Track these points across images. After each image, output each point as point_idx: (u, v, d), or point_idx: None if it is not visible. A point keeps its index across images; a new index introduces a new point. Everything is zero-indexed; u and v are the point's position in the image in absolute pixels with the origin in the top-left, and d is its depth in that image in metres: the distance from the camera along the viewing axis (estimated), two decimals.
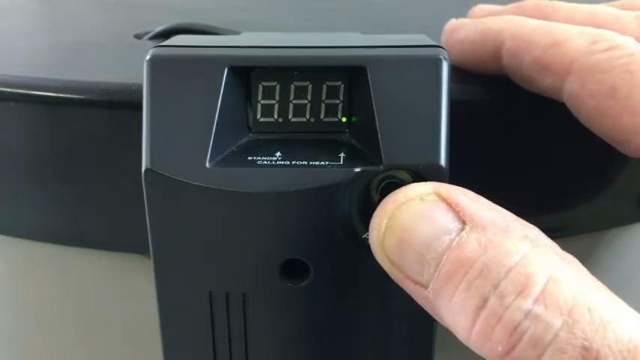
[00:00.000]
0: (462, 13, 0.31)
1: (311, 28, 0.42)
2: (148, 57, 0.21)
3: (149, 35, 0.37)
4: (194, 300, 0.22)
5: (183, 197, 0.21)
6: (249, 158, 0.21)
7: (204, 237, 0.21)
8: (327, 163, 0.21)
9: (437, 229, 0.17)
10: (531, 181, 0.27)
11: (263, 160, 0.21)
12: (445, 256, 0.17)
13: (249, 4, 0.51)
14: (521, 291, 0.16)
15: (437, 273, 0.17)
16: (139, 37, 0.38)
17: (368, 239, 0.21)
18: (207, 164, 0.21)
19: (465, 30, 0.26)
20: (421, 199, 0.18)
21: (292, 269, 0.22)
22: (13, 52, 0.36)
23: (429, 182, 0.19)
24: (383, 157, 0.20)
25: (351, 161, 0.21)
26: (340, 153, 0.21)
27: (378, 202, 0.20)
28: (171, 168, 0.21)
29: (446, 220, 0.17)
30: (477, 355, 0.17)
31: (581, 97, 0.21)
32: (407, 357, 0.23)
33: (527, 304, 0.16)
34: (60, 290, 0.31)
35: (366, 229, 0.21)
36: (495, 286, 0.16)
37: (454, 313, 0.17)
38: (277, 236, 0.21)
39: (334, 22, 0.45)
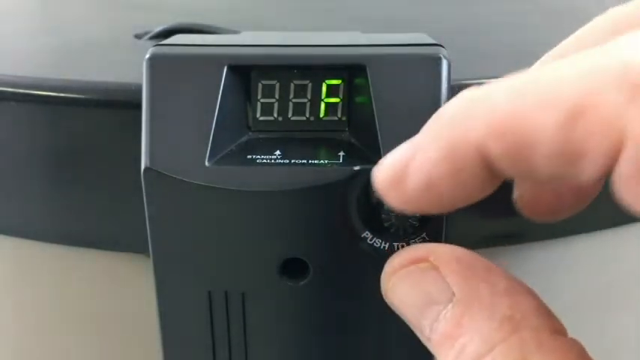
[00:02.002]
0: (462, 12, 0.31)
1: (311, 28, 0.42)
2: (147, 56, 0.21)
3: (149, 35, 0.37)
4: (194, 299, 0.22)
5: (183, 196, 0.21)
6: (249, 157, 0.21)
7: (203, 236, 0.21)
8: (326, 161, 0.21)
9: (428, 299, 0.18)
10: None
11: (262, 159, 0.21)
12: (435, 326, 0.17)
13: (249, 4, 0.51)
14: None
15: (429, 340, 0.18)
16: (139, 37, 0.38)
17: (367, 238, 0.21)
18: (207, 163, 0.21)
19: (415, 168, 0.16)
20: (416, 266, 0.18)
21: (292, 268, 0.22)
22: (13, 52, 0.36)
23: (425, 246, 0.19)
24: (382, 156, 0.20)
25: (350, 160, 0.21)
26: (340, 152, 0.21)
27: (377, 201, 0.20)
28: (171, 167, 0.21)
29: (436, 290, 0.18)
30: None
31: (638, 189, 0.14)
32: (406, 356, 0.23)
33: None
34: (60, 290, 0.31)
35: (366, 227, 0.21)
36: None
37: None
38: (276, 235, 0.21)
39: (334, 22, 0.45)
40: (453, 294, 0.17)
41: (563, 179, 0.15)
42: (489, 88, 0.15)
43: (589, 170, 0.14)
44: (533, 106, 0.14)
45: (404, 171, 0.17)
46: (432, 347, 0.18)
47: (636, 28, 0.15)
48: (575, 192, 0.20)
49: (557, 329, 0.17)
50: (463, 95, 0.16)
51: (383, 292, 0.19)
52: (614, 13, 0.18)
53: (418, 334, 0.18)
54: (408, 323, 0.19)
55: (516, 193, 0.21)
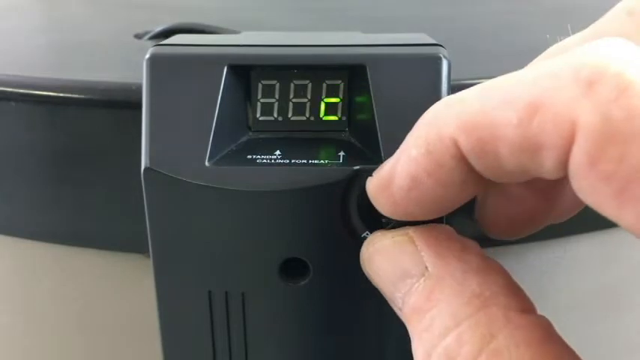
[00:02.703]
0: (462, 12, 0.31)
1: (311, 28, 0.42)
2: (147, 56, 0.21)
3: (149, 35, 0.37)
4: (194, 299, 0.22)
5: (183, 196, 0.21)
6: (249, 157, 0.21)
7: (203, 236, 0.21)
8: (326, 161, 0.21)
9: (403, 272, 0.18)
10: None
11: (262, 159, 0.21)
12: (406, 299, 0.18)
13: (249, 4, 0.51)
14: (452, 359, 0.16)
15: (400, 311, 0.18)
16: (139, 37, 0.38)
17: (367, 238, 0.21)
18: (207, 163, 0.21)
19: (399, 169, 0.18)
20: (392, 238, 0.19)
21: (292, 268, 0.22)
22: (13, 52, 0.36)
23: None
24: (382, 156, 0.20)
25: (350, 160, 0.21)
26: (340, 151, 0.21)
27: None
28: (171, 167, 0.21)
29: (411, 264, 0.18)
30: None
31: (591, 182, 0.14)
32: (406, 356, 0.23)
33: None
34: (60, 290, 0.31)
35: (366, 227, 0.21)
36: (435, 346, 0.17)
37: (413, 346, 0.18)
38: (277, 235, 0.21)
39: (334, 22, 0.45)
40: (426, 268, 0.18)
41: (527, 173, 0.16)
42: (464, 92, 0.17)
43: (548, 163, 0.15)
44: (497, 105, 0.15)
45: (391, 174, 0.18)
46: (403, 319, 0.18)
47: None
48: (531, 211, 0.21)
49: (525, 308, 0.17)
50: (440, 101, 0.17)
51: (361, 262, 0.20)
52: (596, 26, 0.19)
53: (392, 305, 0.19)
54: (383, 295, 0.19)
55: (477, 213, 0.22)
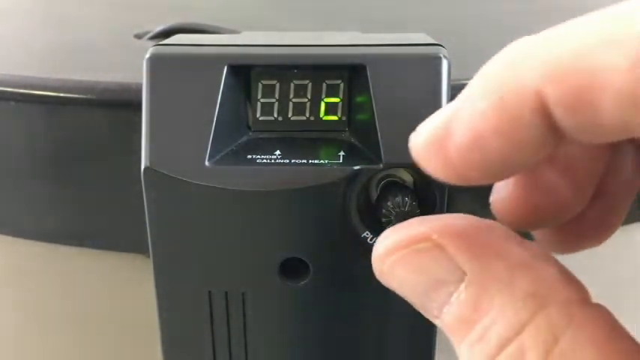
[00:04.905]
0: (463, 11, 0.31)
1: (311, 28, 0.42)
2: (147, 55, 0.21)
3: (149, 35, 0.37)
4: (193, 299, 0.22)
5: (183, 195, 0.21)
6: (249, 157, 0.21)
7: (203, 236, 0.21)
8: (326, 161, 0.21)
9: (435, 281, 0.16)
10: None
11: (262, 159, 0.21)
12: (446, 310, 0.16)
13: (249, 4, 0.51)
14: None
15: (440, 321, 0.16)
16: (139, 37, 0.38)
17: (367, 238, 0.21)
18: (207, 163, 0.21)
19: (460, 123, 0.14)
20: (416, 247, 0.16)
21: (292, 268, 0.22)
22: (13, 52, 0.36)
23: (421, 221, 0.17)
24: (382, 156, 0.20)
25: (350, 160, 0.21)
26: (340, 151, 0.21)
27: (378, 201, 0.20)
28: (171, 166, 0.21)
29: (444, 271, 0.16)
30: None
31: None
32: (407, 356, 0.23)
33: None
34: (60, 290, 0.31)
35: (366, 227, 0.21)
36: (494, 356, 0.15)
37: (462, 357, 0.16)
38: (276, 235, 0.21)
39: (334, 22, 0.45)
40: (464, 273, 0.15)
41: (630, 130, 0.13)
42: (545, 32, 0.14)
43: None
44: (601, 43, 0.12)
45: (446, 129, 0.14)
46: (444, 329, 0.16)
47: None
48: (559, 204, 0.18)
49: (584, 297, 0.15)
50: (519, 40, 0.14)
51: (377, 274, 0.17)
52: None
53: (424, 313, 0.16)
54: (411, 304, 0.17)
55: (495, 197, 0.19)
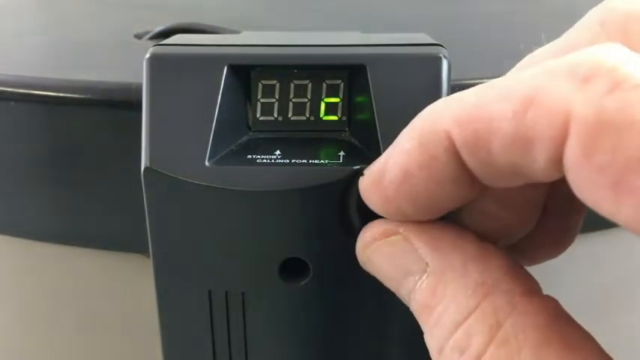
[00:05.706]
0: (462, 12, 0.31)
1: (311, 28, 0.42)
2: (147, 55, 0.21)
3: (149, 35, 0.37)
4: (194, 299, 0.22)
5: (183, 196, 0.21)
6: (249, 157, 0.21)
7: (203, 235, 0.21)
8: (326, 161, 0.21)
9: (404, 270, 0.18)
10: None
11: (262, 159, 0.21)
12: (412, 296, 0.18)
13: (249, 4, 0.51)
14: (463, 352, 0.16)
15: (411, 307, 0.18)
16: (139, 37, 0.38)
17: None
18: (207, 162, 0.21)
19: (391, 163, 0.17)
20: (387, 240, 0.19)
21: (292, 268, 0.22)
22: (13, 52, 0.36)
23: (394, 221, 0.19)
24: None
25: (350, 160, 0.21)
26: (340, 151, 0.21)
27: None
28: (171, 166, 0.21)
29: (410, 262, 0.18)
30: None
31: (586, 174, 0.14)
32: (407, 356, 0.23)
33: None
34: (60, 290, 0.31)
35: None
36: (447, 339, 0.17)
37: (426, 341, 0.18)
38: (277, 235, 0.21)
39: (334, 22, 0.45)
40: (427, 264, 0.18)
41: (519, 174, 0.15)
42: (461, 92, 0.17)
43: (541, 158, 0.14)
44: (494, 99, 0.15)
45: (383, 169, 0.18)
46: (414, 314, 0.18)
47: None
48: (503, 228, 0.20)
49: (530, 290, 0.17)
50: (439, 100, 0.17)
51: (360, 263, 0.20)
52: (568, 36, 0.18)
53: (402, 300, 0.19)
54: (391, 290, 0.19)
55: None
